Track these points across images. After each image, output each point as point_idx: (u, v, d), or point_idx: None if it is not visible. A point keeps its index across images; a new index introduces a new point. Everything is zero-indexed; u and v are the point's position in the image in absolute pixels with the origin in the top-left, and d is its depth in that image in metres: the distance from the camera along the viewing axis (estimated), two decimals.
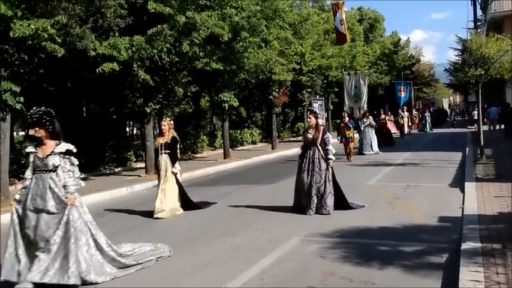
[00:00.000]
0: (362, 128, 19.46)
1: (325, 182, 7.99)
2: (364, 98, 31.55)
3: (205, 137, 24.31)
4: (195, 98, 29.00)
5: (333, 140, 8.80)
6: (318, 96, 32.73)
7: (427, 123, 36.19)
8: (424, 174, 12.50)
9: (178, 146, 8.87)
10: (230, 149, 20.53)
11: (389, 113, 30.20)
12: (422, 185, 10.72)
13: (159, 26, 12.88)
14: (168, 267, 5.63)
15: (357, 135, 20.02)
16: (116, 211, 9.40)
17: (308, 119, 8.56)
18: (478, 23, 34.68)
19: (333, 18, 27.71)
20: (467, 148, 17.72)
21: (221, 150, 21.05)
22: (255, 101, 33.67)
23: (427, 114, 37.90)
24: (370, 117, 19.94)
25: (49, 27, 10.31)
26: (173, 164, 8.59)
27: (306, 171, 8.09)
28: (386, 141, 21.96)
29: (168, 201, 8.48)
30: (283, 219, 7.86)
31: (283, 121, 38.81)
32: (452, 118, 56.89)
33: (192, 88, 23.14)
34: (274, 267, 5.41)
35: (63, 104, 17.71)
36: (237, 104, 20.39)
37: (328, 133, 8.38)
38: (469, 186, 9.66)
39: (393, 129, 28.76)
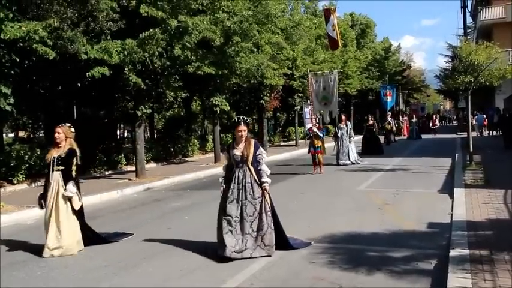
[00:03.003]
0: (338, 135, 17.37)
1: (260, 213, 6.01)
2: (335, 100, 29.96)
3: (196, 140, 24.36)
4: (187, 102, 29.04)
5: (267, 158, 6.61)
6: (308, 101, 32.75)
7: (414, 129, 34.12)
8: (413, 180, 12.55)
9: (75, 161, 6.76)
10: (221, 153, 20.53)
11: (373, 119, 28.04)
12: (411, 191, 10.76)
13: (151, 30, 12.90)
14: (158, 271, 5.62)
15: (332, 144, 19.21)
16: (110, 213, 9.35)
17: (239, 132, 6.21)
18: (468, 30, 35.03)
19: (325, 24, 27.80)
20: (456, 154, 17.83)
21: (212, 154, 21.07)
22: (247, 105, 33.73)
23: (414, 120, 35.39)
24: (348, 123, 17.75)
25: (40, 29, 10.32)
26: (65, 184, 6.56)
27: (234, 201, 6.02)
28: (375, 150, 20.89)
29: (63, 235, 6.42)
30: None
31: (274, 125, 38.93)
32: (439, 124, 56.72)
33: (183, 94, 23.17)
34: (264, 273, 5.42)
35: (53, 107, 17.72)
36: (228, 108, 20.44)
37: (261, 148, 6.32)
38: (458, 192, 9.71)
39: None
